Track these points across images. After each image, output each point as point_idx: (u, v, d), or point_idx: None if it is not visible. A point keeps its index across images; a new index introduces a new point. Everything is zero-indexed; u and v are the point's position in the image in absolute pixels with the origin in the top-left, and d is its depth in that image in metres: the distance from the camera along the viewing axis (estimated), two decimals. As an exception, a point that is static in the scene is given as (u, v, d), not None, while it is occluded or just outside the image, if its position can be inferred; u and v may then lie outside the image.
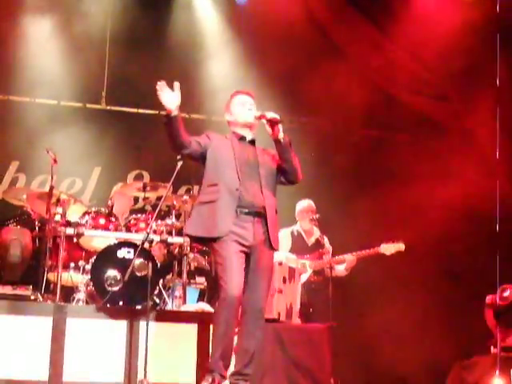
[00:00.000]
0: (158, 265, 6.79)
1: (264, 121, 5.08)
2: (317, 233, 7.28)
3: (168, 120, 4.88)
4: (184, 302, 6.73)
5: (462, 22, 8.34)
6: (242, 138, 5.22)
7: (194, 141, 5.05)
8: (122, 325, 5.90)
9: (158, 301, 6.98)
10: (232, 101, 5.31)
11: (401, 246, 7.23)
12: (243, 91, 5.37)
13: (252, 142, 5.24)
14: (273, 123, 5.07)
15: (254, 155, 5.16)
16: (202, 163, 5.10)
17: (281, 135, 5.08)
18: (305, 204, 7.50)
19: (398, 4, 8.83)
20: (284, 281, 6.01)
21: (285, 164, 5.16)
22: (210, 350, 4.91)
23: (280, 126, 5.08)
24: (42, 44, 8.80)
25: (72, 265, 6.97)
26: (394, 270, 8.11)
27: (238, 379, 4.86)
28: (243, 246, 4.90)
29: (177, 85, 4.87)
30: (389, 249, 7.21)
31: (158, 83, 4.84)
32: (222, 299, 4.77)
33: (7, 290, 6.03)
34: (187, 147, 5.01)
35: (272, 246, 5.01)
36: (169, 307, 6.77)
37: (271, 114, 5.09)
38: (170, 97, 4.84)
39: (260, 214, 4.99)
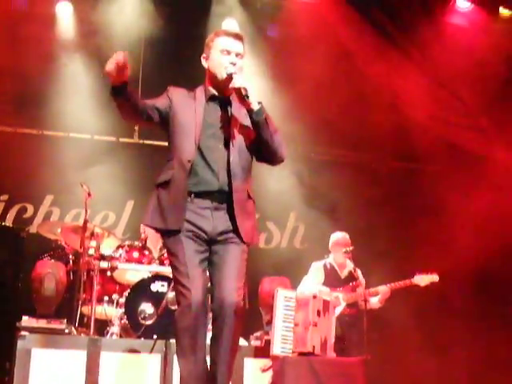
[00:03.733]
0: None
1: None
2: (350, 265, 7.24)
3: (118, 90, 4.10)
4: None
5: (494, 49, 8.32)
6: (212, 98, 4.25)
7: (151, 107, 4.19)
8: (156, 358, 5.91)
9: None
10: (214, 42, 4.23)
11: (434, 277, 7.17)
12: (232, 33, 4.24)
13: (226, 103, 4.23)
14: (237, 92, 4.10)
15: (226, 121, 4.17)
16: (166, 131, 4.25)
17: (254, 107, 4.07)
18: (339, 236, 7.46)
19: (430, 33, 8.82)
20: (318, 314, 5.95)
21: (259, 144, 4.17)
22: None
23: (251, 98, 4.06)
24: (75, 79, 8.90)
25: (106, 298, 7.01)
26: (429, 301, 8.02)
27: None
28: (201, 239, 4.09)
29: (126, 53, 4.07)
30: (423, 280, 7.16)
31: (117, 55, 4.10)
32: (185, 304, 4.01)
33: (42, 323, 6.05)
34: (141, 116, 4.17)
35: (242, 239, 4.12)
36: (202, 340, 6.75)
37: (237, 82, 4.06)
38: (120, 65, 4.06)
39: (222, 198, 4.10)
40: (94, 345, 5.83)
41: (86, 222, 6.82)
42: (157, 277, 6.75)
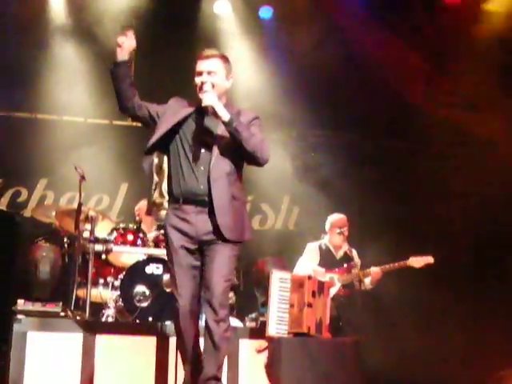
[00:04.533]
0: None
1: None
2: (345, 246, 7.24)
3: (118, 66, 4.67)
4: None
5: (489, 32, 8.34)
6: (199, 108, 4.67)
7: (144, 104, 4.77)
8: (151, 341, 5.91)
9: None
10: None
11: (429, 259, 7.18)
12: (201, 54, 4.66)
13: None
14: (209, 110, 4.56)
15: (213, 129, 4.61)
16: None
17: (225, 118, 4.49)
18: (337, 217, 7.45)
19: (424, 16, 8.81)
20: (313, 295, 5.96)
21: (240, 148, 4.54)
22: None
23: (219, 107, 4.49)
24: (68, 62, 8.86)
25: (101, 281, 7.01)
26: (425, 282, 8.04)
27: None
28: (189, 242, 4.51)
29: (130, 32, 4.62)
30: (418, 262, 7.16)
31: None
32: (176, 310, 4.54)
33: (37, 306, 6.04)
34: (133, 106, 4.76)
35: (224, 238, 4.49)
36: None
37: (205, 101, 4.52)
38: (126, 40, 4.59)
39: (204, 201, 4.49)
40: (89, 327, 5.83)
41: (80, 205, 6.79)
42: (152, 259, 6.75)
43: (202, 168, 4.53)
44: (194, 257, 4.55)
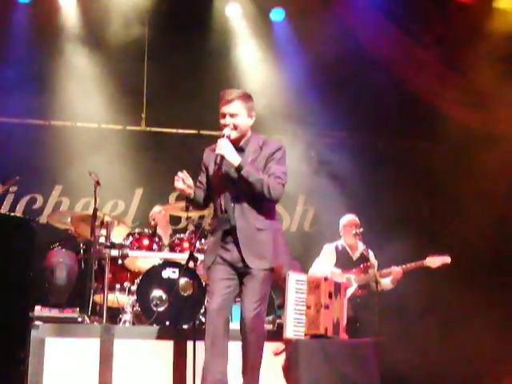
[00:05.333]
0: (203, 283, 6.80)
1: None
2: (361, 247, 7.22)
3: (189, 201, 5.17)
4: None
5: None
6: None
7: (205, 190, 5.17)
8: (168, 345, 5.92)
9: (203, 320, 6.98)
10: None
11: (446, 259, 7.15)
12: (223, 99, 5.02)
13: (239, 151, 5.02)
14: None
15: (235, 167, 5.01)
16: None
17: (235, 163, 4.91)
18: (348, 218, 7.46)
19: (436, 15, 8.79)
20: (330, 296, 5.94)
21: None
22: None
23: (229, 156, 4.90)
24: (81, 69, 8.90)
25: (117, 286, 7.02)
26: (442, 281, 8.00)
27: None
28: (229, 267, 4.99)
29: (184, 173, 4.97)
30: (434, 262, 7.14)
31: (178, 174, 4.97)
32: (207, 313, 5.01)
33: (54, 313, 6.08)
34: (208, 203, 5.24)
35: (248, 266, 4.95)
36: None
37: (217, 149, 4.94)
38: (185, 184, 4.98)
39: (232, 233, 4.99)
40: (107, 333, 5.85)
41: (95, 210, 6.82)
42: (168, 263, 6.76)
43: (229, 204, 4.98)
44: (230, 279, 5.02)
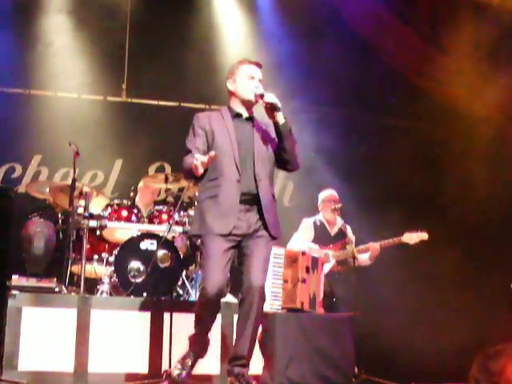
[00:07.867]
0: (181, 256, 6.82)
1: (261, 102, 4.82)
2: (339, 222, 7.23)
3: (195, 177, 4.76)
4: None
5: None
6: (237, 115, 4.93)
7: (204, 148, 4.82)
8: (145, 316, 5.94)
9: (181, 292, 7.01)
10: (239, 69, 4.96)
11: (424, 235, 7.17)
12: (254, 62, 4.98)
13: (249, 119, 4.94)
14: (269, 107, 4.80)
15: (250, 135, 4.89)
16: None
17: (280, 121, 4.80)
18: (327, 194, 7.47)
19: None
20: (307, 271, 5.98)
21: (282, 152, 4.87)
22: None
23: (279, 112, 4.80)
24: (62, 38, 8.82)
25: (95, 257, 7.04)
26: (419, 258, 8.05)
27: (235, 364, 4.81)
28: (234, 236, 4.73)
29: (212, 153, 4.62)
30: (412, 238, 7.15)
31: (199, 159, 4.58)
32: (201, 296, 4.82)
33: (32, 282, 6.07)
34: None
35: (271, 235, 4.83)
36: (192, 298, 6.80)
37: (269, 98, 4.78)
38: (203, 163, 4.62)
39: (252, 201, 4.78)
40: (84, 303, 5.85)
41: (74, 181, 6.78)
42: (146, 235, 6.76)
43: (247, 171, 4.79)
44: (229, 249, 4.78)
